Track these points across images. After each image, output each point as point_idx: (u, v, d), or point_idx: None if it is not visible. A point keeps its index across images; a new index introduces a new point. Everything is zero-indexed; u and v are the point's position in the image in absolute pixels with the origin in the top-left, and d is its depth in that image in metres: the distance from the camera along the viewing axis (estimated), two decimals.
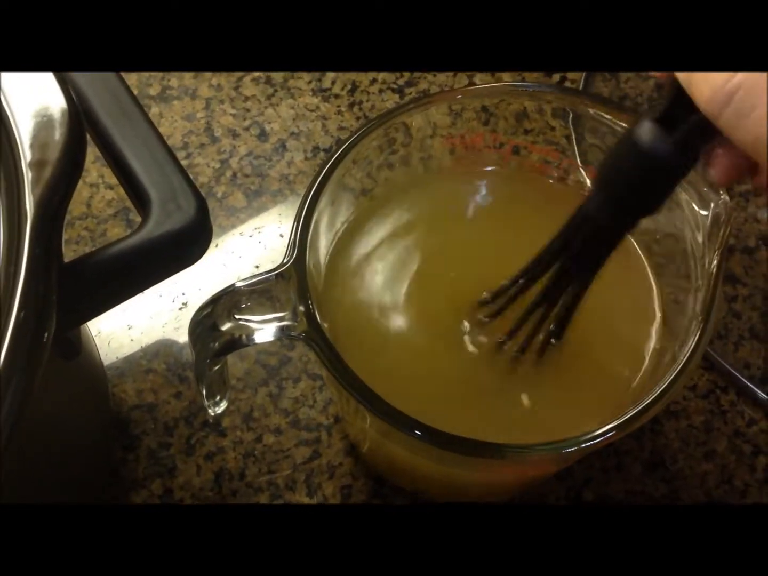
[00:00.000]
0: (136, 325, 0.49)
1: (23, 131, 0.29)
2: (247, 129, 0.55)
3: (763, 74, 0.25)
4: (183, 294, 0.50)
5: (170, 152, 0.34)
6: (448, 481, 0.41)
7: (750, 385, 0.48)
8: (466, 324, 0.39)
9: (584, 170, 0.43)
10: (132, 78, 0.56)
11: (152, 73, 0.56)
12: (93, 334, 0.48)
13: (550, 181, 0.43)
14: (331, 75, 0.57)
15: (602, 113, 0.38)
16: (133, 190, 0.33)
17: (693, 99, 0.27)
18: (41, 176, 0.28)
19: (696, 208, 0.36)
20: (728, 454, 0.46)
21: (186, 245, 0.33)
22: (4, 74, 0.30)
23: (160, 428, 0.46)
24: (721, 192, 0.35)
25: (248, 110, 0.55)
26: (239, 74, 0.57)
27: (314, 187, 0.36)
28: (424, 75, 0.57)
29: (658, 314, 0.39)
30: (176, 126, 0.55)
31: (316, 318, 0.34)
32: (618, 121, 0.38)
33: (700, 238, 0.35)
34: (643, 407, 0.32)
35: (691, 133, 0.28)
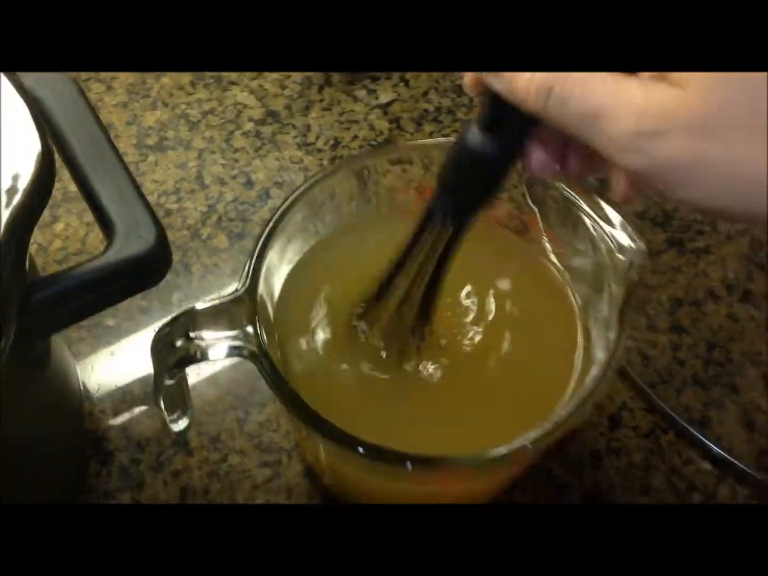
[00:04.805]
0: (119, 351, 0.53)
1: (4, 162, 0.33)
2: (234, 178, 0.60)
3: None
4: None
5: (137, 189, 0.38)
6: (393, 497, 0.44)
7: (689, 427, 0.50)
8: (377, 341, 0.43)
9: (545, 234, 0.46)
10: (132, 129, 0.61)
11: (151, 125, 0.62)
12: (74, 356, 0.52)
13: (507, 231, 0.47)
14: (315, 130, 0.62)
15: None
16: (101, 220, 0.37)
17: (515, 100, 0.30)
18: (10, 202, 0.32)
19: (616, 254, 0.40)
20: (665, 489, 0.49)
21: (144, 270, 0.37)
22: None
23: (133, 446, 0.50)
24: (636, 239, 0.39)
25: (237, 161, 0.60)
26: (231, 128, 0.62)
27: (270, 225, 0.41)
28: (402, 134, 0.62)
29: (581, 344, 0.42)
30: (170, 173, 0.60)
31: (262, 338, 0.38)
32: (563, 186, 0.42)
33: (614, 283, 0.39)
34: (554, 425, 0.36)
35: (511, 130, 0.33)
